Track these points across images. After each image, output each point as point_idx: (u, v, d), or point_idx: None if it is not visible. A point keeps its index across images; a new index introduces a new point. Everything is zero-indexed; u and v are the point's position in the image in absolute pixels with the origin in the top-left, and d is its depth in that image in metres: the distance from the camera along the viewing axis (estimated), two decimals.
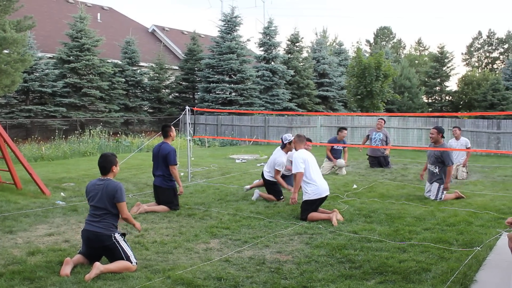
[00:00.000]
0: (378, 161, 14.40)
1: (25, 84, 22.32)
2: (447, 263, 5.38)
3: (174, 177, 8.41)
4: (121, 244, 5.31)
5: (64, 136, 21.35)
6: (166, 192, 8.37)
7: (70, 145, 18.65)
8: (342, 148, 13.41)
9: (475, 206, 8.56)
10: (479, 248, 5.91)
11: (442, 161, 9.22)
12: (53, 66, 24.59)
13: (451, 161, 9.24)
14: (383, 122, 14.87)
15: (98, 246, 5.32)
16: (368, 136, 14.80)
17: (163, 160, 8.38)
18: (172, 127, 8.77)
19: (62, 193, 9.76)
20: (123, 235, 5.47)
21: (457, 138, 12.53)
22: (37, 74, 23.15)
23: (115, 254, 5.25)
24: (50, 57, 25.53)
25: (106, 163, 5.60)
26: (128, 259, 5.24)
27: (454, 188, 10.22)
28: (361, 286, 4.75)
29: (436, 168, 9.31)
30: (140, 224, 7.10)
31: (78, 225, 7.29)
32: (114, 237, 5.32)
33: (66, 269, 5.05)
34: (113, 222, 5.42)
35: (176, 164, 8.44)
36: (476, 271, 5.18)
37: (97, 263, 5.03)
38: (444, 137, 9.60)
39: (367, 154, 14.94)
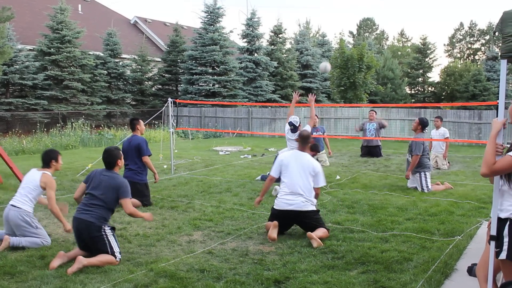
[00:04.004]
0: (369, 151, 14.67)
1: (5, 77, 21.99)
2: (428, 253, 5.43)
3: (148, 167, 8.24)
4: (109, 238, 5.26)
5: (45, 129, 21.11)
6: (137, 187, 8.09)
7: (52, 138, 18.46)
8: (322, 139, 13.47)
9: (456, 196, 8.67)
10: (460, 237, 5.98)
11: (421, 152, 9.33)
12: (33, 58, 24.26)
13: (418, 151, 9.22)
14: (375, 113, 15.08)
15: (86, 237, 5.24)
16: (362, 126, 15.04)
17: (136, 152, 8.18)
18: (140, 120, 8.58)
19: None
20: (112, 229, 5.43)
21: (437, 128, 12.66)
22: (17, 67, 22.80)
23: (100, 246, 5.20)
24: (30, 49, 25.17)
25: (111, 158, 5.63)
26: (113, 253, 5.20)
27: (436, 179, 10.33)
28: (344, 276, 4.77)
29: (410, 157, 9.40)
30: (122, 217, 7.06)
31: None
32: (104, 229, 5.27)
33: (55, 262, 5.03)
34: (105, 215, 5.35)
35: (150, 154, 8.28)
36: (457, 260, 5.24)
37: (80, 257, 5.00)
38: (424, 131, 9.62)
39: (362, 145, 15.14)
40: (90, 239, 5.23)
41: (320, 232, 6.03)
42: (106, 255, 5.17)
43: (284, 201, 6.29)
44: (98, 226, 5.24)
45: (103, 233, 5.25)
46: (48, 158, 6.05)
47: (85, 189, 5.54)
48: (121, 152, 5.75)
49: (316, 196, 6.53)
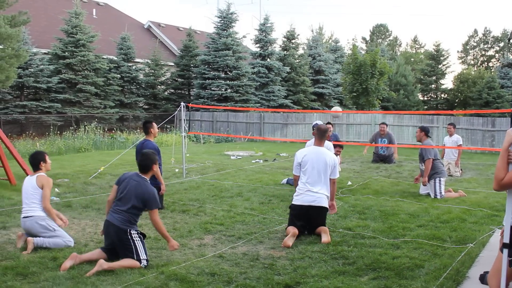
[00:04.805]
0: (381, 160, 14.65)
1: (20, 80, 22.20)
2: (440, 260, 5.40)
3: (156, 175, 8.25)
4: (136, 243, 5.26)
5: (58, 132, 21.28)
6: None
7: (65, 141, 18.60)
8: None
9: (469, 203, 8.60)
10: (472, 245, 5.93)
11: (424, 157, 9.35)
12: (48, 62, 24.46)
13: (429, 154, 9.28)
14: (386, 126, 14.96)
15: (115, 239, 5.28)
16: (373, 140, 14.99)
17: None
18: (153, 123, 8.53)
19: (56, 189, 9.73)
20: (142, 235, 5.44)
21: (450, 135, 12.60)
22: (32, 70, 23.03)
23: (127, 250, 5.22)
24: (45, 53, 25.40)
25: (148, 161, 5.54)
26: (138, 259, 5.21)
27: (448, 186, 10.27)
28: (354, 282, 4.76)
29: (422, 165, 9.41)
30: None
31: (72, 221, 7.27)
32: (130, 233, 5.28)
33: (66, 263, 5.05)
34: (131, 219, 5.33)
35: (159, 163, 8.27)
36: (469, 267, 5.20)
37: (101, 261, 5.03)
38: (429, 136, 9.76)
39: (374, 152, 15.08)
40: (118, 241, 5.27)
41: (323, 229, 6.38)
42: (130, 260, 5.18)
43: (308, 196, 6.49)
44: (124, 229, 5.26)
45: (130, 237, 5.26)
46: (37, 161, 6.14)
47: (116, 191, 5.51)
48: (157, 157, 5.68)
49: (334, 186, 6.78)
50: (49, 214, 5.96)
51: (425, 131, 9.58)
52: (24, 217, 5.92)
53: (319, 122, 9.51)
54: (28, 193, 6.00)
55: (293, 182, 6.91)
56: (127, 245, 5.23)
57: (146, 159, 5.54)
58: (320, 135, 6.85)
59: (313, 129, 9.57)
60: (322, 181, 6.57)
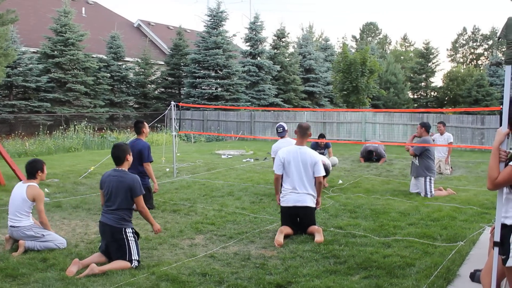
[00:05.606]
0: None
1: (9, 79, 22.04)
2: (431, 258, 5.42)
3: (148, 174, 8.16)
4: (130, 243, 5.24)
5: (48, 131, 21.12)
6: None
7: (55, 140, 18.48)
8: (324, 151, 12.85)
9: (459, 201, 8.64)
10: (462, 243, 5.96)
11: (420, 153, 9.36)
12: (37, 61, 24.30)
13: (416, 151, 9.33)
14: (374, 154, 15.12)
15: (109, 239, 5.25)
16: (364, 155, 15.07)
17: (137, 157, 8.06)
18: (145, 123, 8.51)
19: (46, 189, 9.66)
20: (136, 234, 5.42)
21: (441, 133, 12.66)
22: (21, 69, 22.87)
23: (120, 249, 5.19)
24: (34, 52, 25.24)
25: (120, 153, 5.47)
26: (130, 259, 5.18)
27: (439, 184, 10.31)
28: (346, 281, 4.76)
29: (416, 159, 9.42)
30: None
31: (62, 221, 7.23)
32: (125, 231, 5.26)
33: (72, 268, 4.99)
34: (124, 216, 5.31)
35: (151, 161, 8.23)
36: (460, 265, 5.22)
37: (92, 265, 4.98)
38: (429, 133, 9.75)
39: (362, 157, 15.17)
40: (112, 241, 5.23)
41: (316, 228, 6.40)
42: (121, 262, 5.15)
43: (292, 197, 6.51)
44: (119, 228, 5.23)
45: (125, 236, 5.24)
46: (34, 169, 5.96)
47: (103, 195, 5.49)
48: (129, 148, 5.67)
49: (319, 185, 6.66)
50: (45, 227, 5.87)
51: (425, 127, 9.58)
52: (11, 226, 5.82)
53: (283, 124, 9.48)
54: (16, 202, 5.83)
55: (274, 181, 6.80)
56: (122, 245, 5.20)
57: (118, 150, 5.48)
58: (302, 133, 6.72)
59: (277, 131, 9.49)
60: (305, 181, 6.51)
